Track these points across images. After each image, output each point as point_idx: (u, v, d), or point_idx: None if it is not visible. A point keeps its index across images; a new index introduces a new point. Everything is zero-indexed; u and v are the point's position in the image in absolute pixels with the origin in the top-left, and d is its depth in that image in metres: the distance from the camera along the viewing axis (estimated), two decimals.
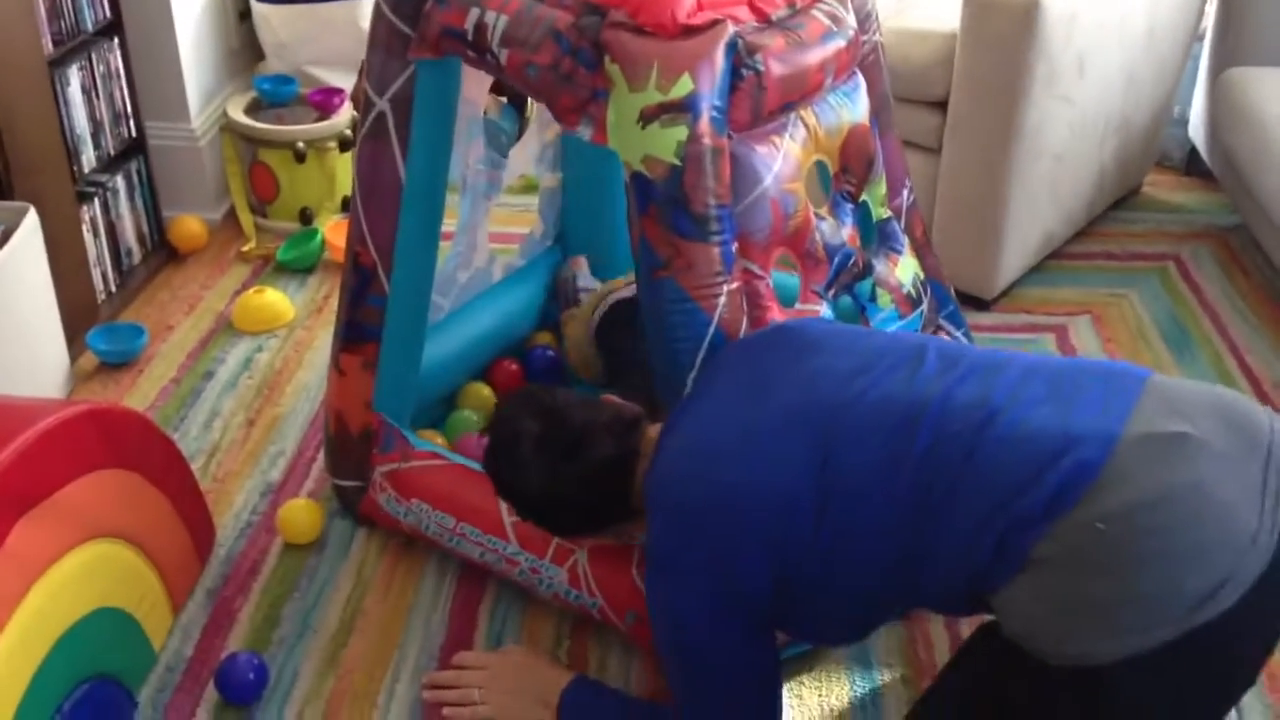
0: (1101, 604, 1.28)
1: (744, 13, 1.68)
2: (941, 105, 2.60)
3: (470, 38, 1.71)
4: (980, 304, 2.70)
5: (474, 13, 1.70)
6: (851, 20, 1.85)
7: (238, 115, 2.92)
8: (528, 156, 2.39)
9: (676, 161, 1.61)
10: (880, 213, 1.99)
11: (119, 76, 2.64)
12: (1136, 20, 2.69)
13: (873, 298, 1.97)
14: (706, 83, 1.60)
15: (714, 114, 1.61)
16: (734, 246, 1.68)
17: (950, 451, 1.36)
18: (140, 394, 2.42)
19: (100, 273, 2.64)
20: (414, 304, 1.99)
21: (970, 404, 1.38)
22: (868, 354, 1.50)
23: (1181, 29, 2.92)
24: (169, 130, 2.88)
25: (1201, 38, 3.12)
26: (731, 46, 1.62)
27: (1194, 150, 3.26)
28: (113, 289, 2.69)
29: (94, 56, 2.55)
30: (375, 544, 2.06)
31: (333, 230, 2.90)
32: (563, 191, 2.47)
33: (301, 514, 2.06)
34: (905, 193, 2.09)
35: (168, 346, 2.57)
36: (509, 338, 2.41)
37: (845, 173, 1.90)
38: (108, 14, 2.59)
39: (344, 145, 2.98)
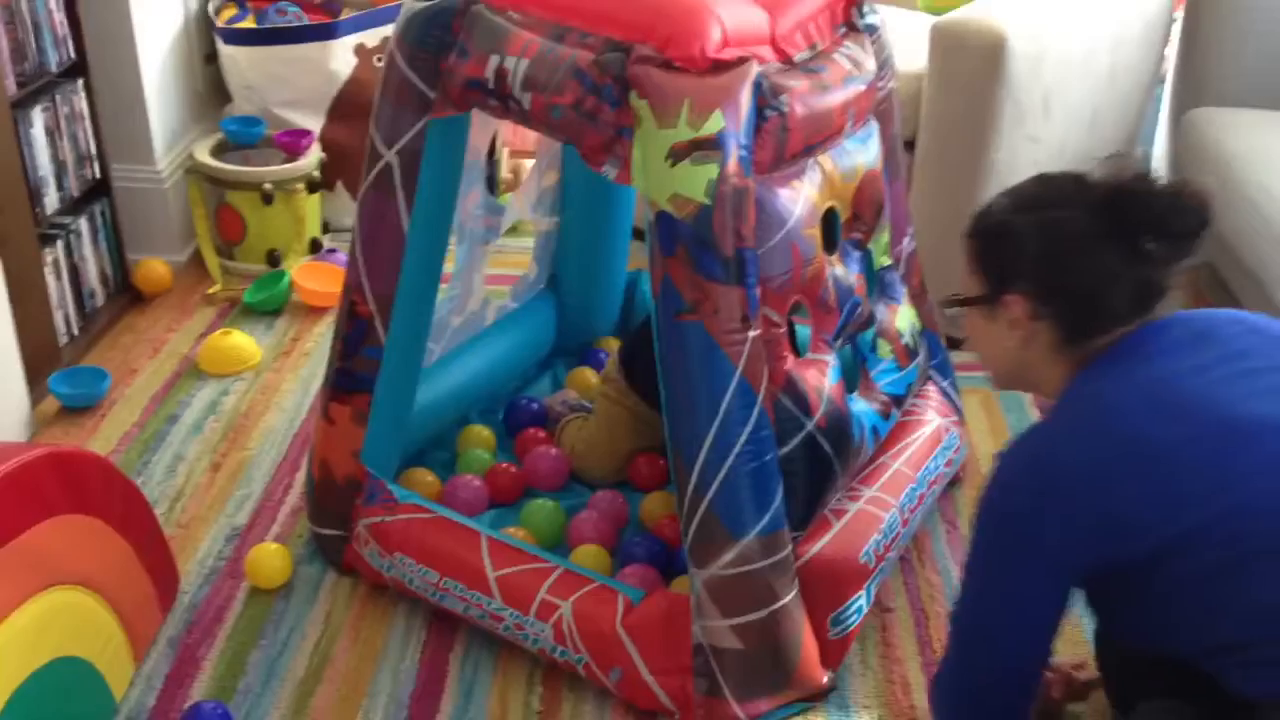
0: None
1: (767, 53, 1.67)
2: (910, 144, 2.61)
3: (492, 85, 1.69)
4: (952, 342, 2.70)
5: (494, 60, 1.68)
6: (871, 65, 1.84)
7: (204, 157, 2.90)
8: (525, 202, 2.37)
9: (707, 201, 1.57)
10: (882, 260, 1.97)
11: (83, 118, 2.62)
12: (1100, 59, 2.72)
13: (873, 348, 1.95)
14: (735, 121, 1.57)
15: (742, 153, 1.59)
16: (758, 291, 1.64)
17: None
18: (103, 438, 2.38)
19: (63, 315, 2.60)
20: (409, 355, 1.97)
21: None
22: None
23: (1143, 70, 2.95)
24: (134, 172, 2.86)
25: (1162, 81, 3.17)
26: (756, 86, 1.60)
27: None
28: (75, 332, 2.65)
29: (58, 98, 2.53)
30: (344, 589, 2.02)
31: (300, 272, 2.87)
32: (558, 235, 2.46)
33: (270, 558, 2.02)
34: (906, 240, 2.08)
35: (131, 390, 2.53)
36: (499, 382, 2.38)
37: (857, 219, 1.88)
38: (72, 55, 2.57)
39: (312, 187, 2.96)
